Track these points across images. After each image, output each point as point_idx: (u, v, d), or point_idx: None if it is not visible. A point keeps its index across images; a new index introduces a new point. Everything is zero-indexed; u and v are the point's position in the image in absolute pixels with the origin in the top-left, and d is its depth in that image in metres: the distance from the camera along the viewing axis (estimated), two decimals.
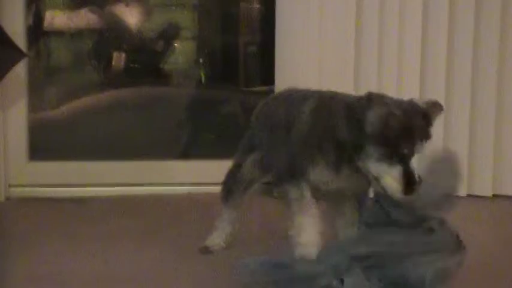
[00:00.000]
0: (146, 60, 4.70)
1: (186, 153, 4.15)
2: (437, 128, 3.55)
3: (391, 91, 3.55)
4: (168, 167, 3.87)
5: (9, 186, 3.65)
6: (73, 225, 3.16)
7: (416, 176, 2.15)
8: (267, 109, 2.73)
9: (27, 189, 3.66)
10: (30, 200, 3.56)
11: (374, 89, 3.57)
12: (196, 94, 4.70)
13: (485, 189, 3.74)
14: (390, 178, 2.17)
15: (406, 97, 2.27)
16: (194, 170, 3.87)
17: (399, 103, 2.22)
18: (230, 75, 4.72)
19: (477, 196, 3.72)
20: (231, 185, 2.85)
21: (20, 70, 3.65)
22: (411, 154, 2.16)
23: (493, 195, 3.73)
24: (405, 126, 2.17)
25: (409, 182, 2.15)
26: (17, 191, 3.65)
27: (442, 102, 3.49)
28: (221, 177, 3.79)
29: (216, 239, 2.82)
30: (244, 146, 2.82)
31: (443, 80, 3.66)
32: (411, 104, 2.24)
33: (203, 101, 4.61)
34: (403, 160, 2.15)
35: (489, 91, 3.69)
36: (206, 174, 3.82)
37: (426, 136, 2.20)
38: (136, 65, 4.64)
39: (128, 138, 4.18)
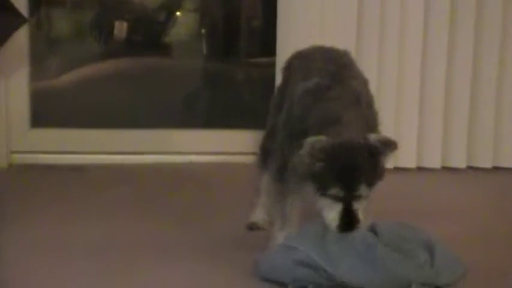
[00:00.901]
0: (148, 30, 4.69)
1: (186, 123, 4.15)
2: (438, 99, 3.66)
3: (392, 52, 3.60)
4: (168, 136, 3.88)
5: (11, 152, 3.66)
6: (73, 192, 3.19)
7: (357, 216, 2.12)
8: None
9: (28, 155, 3.67)
10: (31, 167, 3.58)
11: (375, 54, 3.61)
12: (198, 65, 4.70)
13: (485, 161, 3.75)
14: (329, 213, 2.14)
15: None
16: (194, 139, 3.88)
17: (339, 141, 2.11)
18: (232, 47, 4.71)
19: (477, 168, 3.74)
20: (268, 148, 2.61)
21: (22, 38, 3.65)
22: (351, 195, 2.11)
23: (493, 167, 3.74)
24: (335, 166, 2.09)
25: (348, 221, 2.12)
26: (19, 158, 3.66)
27: (443, 69, 3.63)
28: (221, 147, 3.85)
29: (259, 214, 2.71)
30: (275, 103, 2.62)
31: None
32: (354, 142, 2.11)
33: (204, 72, 4.61)
34: (344, 199, 2.11)
35: (490, 62, 3.69)
36: (206, 143, 3.84)
37: (369, 178, 2.11)
38: (138, 36, 4.64)
39: (128, 107, 4.19)
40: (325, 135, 2.12)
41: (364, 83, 2.44)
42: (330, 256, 2.12)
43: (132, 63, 4.54)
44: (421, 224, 2.59)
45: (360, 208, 2.14)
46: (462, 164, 3.73)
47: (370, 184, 2.12)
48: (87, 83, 4.35)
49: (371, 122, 2.28)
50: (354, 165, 2.10)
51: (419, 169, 3.72)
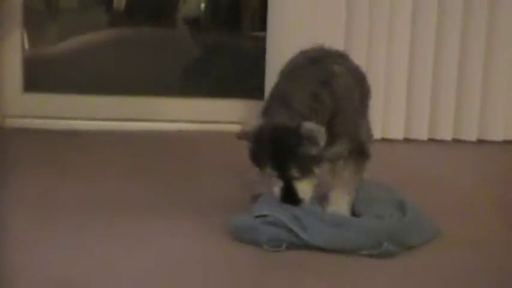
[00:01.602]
0: (147, 1, 4.74)
1: (179, 91, 4.19)
2: (426, 74, 3.70)
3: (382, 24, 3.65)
4: (160, 103, 3.93)
5: (4, 116, 3.72)
6: (64, 157, 3.24)
7: (296, 193, 2.22)
8: None
9: (21, 120, 3.73)
10: (24, 131, 3.63)
11: (365, 27, 3.65)
12: (195, 36, 4.74)
13: (470, 134, 3.80)
14: (275, 188, 2.26)
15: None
16: (185, 107, 3.93)
17: (268, 125, 2.22)
18: (229, 20, 4.74)
19: (462, 141, 3.79)
20: None
21: (15, 2, 3.70)
22: (284, 174, 2.21)
23: (478, 140, 3.79)
24: (262, 149, 2.22)
25: (288, 197, 2.23)
26: (11, 122, 3.72)
27: (431, 45, 3.67)
28: (213, 116, 3.89)
29: None
30: None
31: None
32: (282, 126, 2.20)
33: (199, 43, 4.65)
34: (281, 176, 2.22)
35: (477, 37, 3.73)
36: (198, 112, 3.89)
37: (298, 161, 2.19)
38: (137, 6, 4.67)
39: (123, 74, 4.23)
40: (262, 116, 2.26)
41: (355, 74, 2.48)
42: (299, 221, 2.19)
43: (129, 32, 4.58)
44: (405, 191, 2.68)
45: (301, 186, 2.23)
46: (448, 136, 3.78)
47: (301, 166, 2.21)
48: (83, 50, 4.40)
49: (327, 105, 2.28)
50: (279, 147, 2.20)
51: (406, 140, 3.77)
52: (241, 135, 2.30)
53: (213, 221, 2.38)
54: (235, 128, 3.74)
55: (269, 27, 3.71)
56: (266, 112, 2.30)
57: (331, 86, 2.31)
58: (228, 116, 3.87)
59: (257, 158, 2.26)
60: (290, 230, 2.17)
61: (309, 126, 2.19)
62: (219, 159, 3.32)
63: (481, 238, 2.39)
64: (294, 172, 2.21)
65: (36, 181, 2.84)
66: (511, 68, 3.77)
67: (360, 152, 2.38)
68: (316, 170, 2.26)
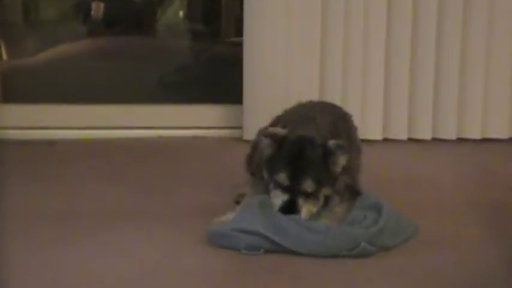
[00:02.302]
0: (125, 10, 4.74)
1: (157, 98, 4.19)
2: (403, 74, 3.71)
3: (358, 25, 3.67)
4: (138, 111, 3.93)
5: None
6: (42, 166, 3.25)
7: (299, 210, 2.24)
8: None
9: (0, 131, 3.71)
10: (3, 142, 3.61)
11: (341, 31, 3.66)
12: (174, 44, 4.75)
13: (449, 132, 3.81)
14: (275, 199, 2.28)
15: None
16: (164, 114, 3.93)
17: (296, 135, 2.30)
18: (207, 27, 4.76)
19: (442, 140, 3.81)
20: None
21: None
22: (296, 187, 2.24)
23: (457, 139, 3.81)
24: (285, 154, 2.27)
25: (289, 212, 2.24)
26: None
27: (407, 47, 3.69)
28: (190, 122, 3.90)
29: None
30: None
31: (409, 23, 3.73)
32: (310, 139, 2.28)
33: (178, 50, 4.66)
34: (289, 189, 2.25)
35: (453, 38, 3.75)
36: (176, 118, 3.90)
37: (317, 175, 2.25)
38: (114, 15, 4.68)
39: (99, 83, 4.24)
40: (289, 129, 2.33)
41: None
42: (276, 226, 2.19)
43: (107, 42, 4.59)
44: (385, 191, 2.69)
45: (305, 207, 2.26)
46: (427, 136, 3.80)
47: (318, 181, 2.26)
48: (61, 61, 4.40)
49: (342, 137, 2.40)
50: (302, 157, 2.26)
51: (386, 140, 3.78)
52: (268, 134, 2.32)
53: (192, 228, 2.38)
54: (215, 133, 3.83)
55: (245, 33, 3.72)
56: (287, 126, 2.38)
57: (346, 122, 2.52)
58: (206, 121, 3.88)
59: (273, 163, 2.29)
60: (266, 238, 2.17)
61: (336, 144, 2.27)
62: (198, 164, 3.34)
63: (458, 237, 2.40)
64: (308, 186, 2.25)
65: (14, 192, 2.83)
66: (487, 67, 3.80)
67: (354, 190, 2.43)
68: (325, 193, 2.31)
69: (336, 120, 2.51)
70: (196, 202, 2.71)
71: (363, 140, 3.63)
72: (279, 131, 2.35)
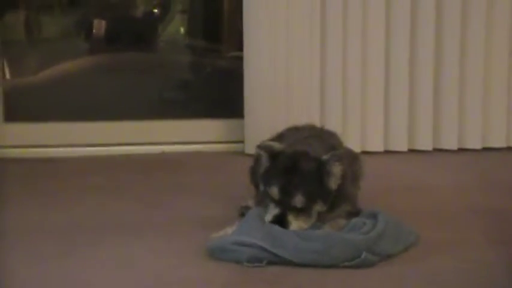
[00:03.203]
0: (126, 27, 4.78)
1: (158, 114, 4.21)
2: (402, 86, 3.73)
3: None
4: (140, 127, 3.95)
5: None
6: (43, 184, 3.25)
7: (288, 226, 2.25)
8: None
9: (2, 150, 3.71)
10: (6, 161, 3.62)
11: (339, 45, 3.68)
12: (176, 59, 4.78)
13: (450, 143, 3.83)
14: (267, 214, 2.29)
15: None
16: (167, 129, 3.94)
17: (291, 149, 2.35)
18: (208, 43, 4.79)
19: (443, 150, 3.82)
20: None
21: None
22: (286, 201, 2.26)
23: (458, 149, 3.82)
24: (279, 167, 2.30)
25: (280, 225, 2.25)
26: None
27: (406, 56, 3.71)
28: (193, 137, 3.91)
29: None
30: None
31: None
32: (304, 153, 2.32)
33: (179, 65, 4.69)
34: (280, 203, 2.27)
35: (453, 46, 3.77)
36: (179, 133, 3.91)
37: (309, 190, 2.26)
38: (115, 32, 4.71)
39: (101, 100, 4.26)
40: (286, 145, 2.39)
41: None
42: (275, 238, 2.20)
43: (109, 58, 4.63)
44: (386, 201, 2.79)
45: (295, 223, 2.27)
46: (428, 147, 3.81)
47: (309, 197, 2.27)
48: (63, 79, 4.44)
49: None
50: (295, 171, 2.28)
51: (387, 152, 3.80)
52: (263, 147, 2.36)
53: (193, 240, 2.39)
54: (217, 147, 3.84)
55: (245, 47, 3.74)
56: (283, 141, 2.44)
57: (342, 149, 2.51)
58: (209, 136, 3.90)
59: (268, 176, 2.32)
60: (267, 251, 2.18)
61: (330, 155, 2.30)
62: (200, 178, 3.36)
63: (458, 244, 2.41)
64: (298, 201, 2.26)
65: (15, 208, 2.85)
66: (486, 78, 3.82)
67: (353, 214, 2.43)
68: (318, 209, 2.31)
69: (334, 144, 2.56)
70: (198, 215, 2.73)
71: (364, 152, 3.68)
72: (276, 145, 2.38)
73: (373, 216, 2.32)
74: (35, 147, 3.78)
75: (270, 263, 2.18)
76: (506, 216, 2.71)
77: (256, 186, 2.62)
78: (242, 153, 3.73)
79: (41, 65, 4.51)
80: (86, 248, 2.38)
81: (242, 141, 3.80)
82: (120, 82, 4.43)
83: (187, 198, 2.98)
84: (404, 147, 3.80)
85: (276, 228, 2.24)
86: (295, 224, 2.27)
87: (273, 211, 2.29)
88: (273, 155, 2.34)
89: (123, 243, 2.42)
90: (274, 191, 2.28)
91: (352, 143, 3.51)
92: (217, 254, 2.25)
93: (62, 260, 2.28)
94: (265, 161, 2.36)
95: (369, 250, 2.17)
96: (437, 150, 3.83)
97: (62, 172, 3.48)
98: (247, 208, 2.56)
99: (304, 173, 2.28)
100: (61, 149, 3.78)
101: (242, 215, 2.51)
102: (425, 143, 3.82)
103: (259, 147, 2.40)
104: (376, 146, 3.79)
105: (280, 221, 2.26)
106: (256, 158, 2.65)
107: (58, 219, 2.70)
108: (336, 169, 2.31)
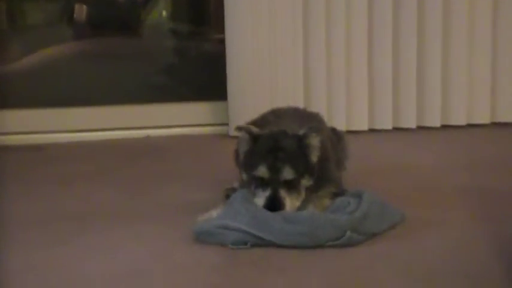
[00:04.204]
0: (108, 12, 4.75)
1: (144, 98, 4.20)
2: (386, 66, 3.73)
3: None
4: (125, 111, 3.94)
5: None
6: (30, 170, 3.26)
7: (282, 202, 2.27)
8: None
9: None
10: None
11: (322, 28, 3.68)
12: (159, 43, 4.76)
13: (434, 120, 3.84)
14: (258, 200, 2.30)
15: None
16: (151, 113, 3.95)
17: (268, 131, 2.37)
18: (195, 25, 4.77)
19: (427, 127, 3.84)
20: None
21: None
22: (276, 178, 2.27)
23: (442, 126, 3.84)
24: (261, 148, 2.32)
25: (273, 205, 2.26)
26: None
27: (389, 39, 3.72)
28: (177, 120, 3.91)
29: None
30: None
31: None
32: (282, 132, 2.35)
33: (165, 49, 4.68)
34: (271, 182, 2.28)
35: (435, 27, 3.78)
36: (163, 117, 3.91)
37: (294, 161, 2.29)
38: (97, 17, 4.69)
39: (85, 85, 4.24)
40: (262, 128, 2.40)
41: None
42: (260, 221, 2.21)
43: (92, 44, 4.60)
44: (372, 180, 2.81)
45: (288, 198, 2.29)
46: (412, 124, 3.83)
47: (297, 170, 2.29)
48: (47, 64, 4.40)
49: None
50: (278, 149, 2.31)
51: (372, 131, 3.81)
52: (243, 128, 2.38)
53: (180, 225, 2.39)
54: (202, 130, 3.84)
55: (227, 30, 3.74)
56: (263, 125, 2.45)
57: (321, 131, 2.46)
58: (193, 119, 3.90)
59: (253, 157, 2.33)
60: (252, 235, 2.20)
61: (307, 128, 2.34)
62: (186, 162, 3.36)
63: (444, 222, 2.42)
64: (288, 173, 2.28)
65: (2, 195, 2.84)
66: (470, 52, 3.83)
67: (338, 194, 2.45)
68: (305, 184, 2.34)
69: (315, 123, 2.58)
70: (184, 199, 2.73)
71: (349, 131, 3.69)
72: (253, 128, 2.39)
73: (358, 195, 2.33)
74: (20, 133, 3.78)
75: (255, 245, 2.19)
76: (491, 193, 2.72)
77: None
78: (227, 136, 3.73)
79: (24, 51, 4.48)
80: (72, 236, 2.38)
81: (227, 124, 3.80)
82: (104, 67, 4.41)
83: (173, 183, 2.98)
84: (389, 125, 3.82)
85: (262, 211, 2.24)
86: (289, 201, 2.28)
87: (263, 194, 2.30)
88: (254, 137, 2.36)
89: (110, 230, 2.42)
90: (262, 170, 2.29)
91: (337, 122, 3.53)
92: (203, 237, 2.25)
93: (47, 248, 2.27)
94: (246, 144, 2.38)
95: (354, 230, 2.18)
96: (421, 128, 3.85)
97: (47, 159, 3.49)
98: (232, 190, 2.57)
99: (286, 149, 2.31)
100: (46, 135, 3.79)
101: (227, 196, 2.52)
102: (409, 121, 3.83)
103: (239, 128, 2.40)
104: (361, 124, 3.80)
105: (273, 201, 2.27)
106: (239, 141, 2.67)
107: (43, 207, 2.71)
108: (314, 141, 2.35)
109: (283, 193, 2.29)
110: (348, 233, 2.17)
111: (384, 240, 2.25)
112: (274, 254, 2.15)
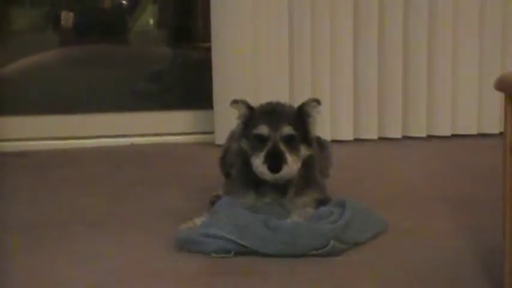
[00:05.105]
0: (95, 19, 4.74)
1: (129, 106, 4.19)
2: (372, 76, 3.74)
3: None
4: (110, 119, 3.93)
5: None
6: (14, 177, 3.23)
7: (284, 155, 2.28)
8: None
9: None
10: None
11: (308, 35, 3.69)
12: (146, 51, 4.76)
13: (420, 130, 3.85)
14: (258, 159, 2.30)
15: None
16: (136, 121, 3.94)
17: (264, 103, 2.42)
18: (181, 33, 4.77)
19: (412, 137, 3.85)
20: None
21: None
22: (275, 134, 2.29)
23: (428, 136, 3.85)
24: (260, 111, 2.37)
25: (275, 159, 2.27)
26: None
27: (375, 46, 3.73)
28: (162, 128, 3.91)
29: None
30: None
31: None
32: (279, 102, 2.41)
33: (151, 57, 4.67)
34: (270, 137, 2.29)
35: (421, 36, 3.79)
36: (148, 125, 3.91)
37: (292, 120, 2.32)
38: (84, 24, 4.68)
39: (71, 93, 4.23)
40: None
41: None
42: (242, 229, 2.20)
43: (78, 51, 4.59)
44: (356, 189, 2.82)
45: (289, 157, 2.28)
46: (398, 134, 3.83)
47: (295, 127, 2.31)
48: (32, 71, 4.39)
49: None
50: (277, 111, 2.36)
51: (357, 140, 3.81)
52: (239, 101, 2.41)
53: (163, 233, 2.38)
54: (187, 138, 3.84)
55: (213, 38, 3.74)
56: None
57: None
58: (179, 127, 3.90)
59: (251, 122, 2.35)
60: (234, 242, 2.18)
61: (310, 101, 2.38)
62: (170, 170, 3.35)
63: (427, 231, 2.43)
64: (288, 129, 2.30)
65: None
66: (454, 67, 3.84)
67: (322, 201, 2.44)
68: (303, 152, 2.35)
69: None
70: (168, 207, 2.72)
71: (334, 141, 3.69)
72: (248, 103, 2.42)
73: (341, 205, 2.33)
74: (4, 141, 3.75)
75: (238, 253, 2.18)
76: (475, 203, 2.73)
77: (226, 176, 2.63)
78: (212, 144, 3.73)
79: (10, 57, 4.46)
80: (54, 243, 2.36)
81: (212, 132, 3.80)
82: (90, 74, 4.39)
83: (157, 191, 2.98)
84: (374, 135, 3.82)
85: (244, 219, 2.23)
86: (290, 158, 2.28)
87: (262, 153, 2.29)
88: (251, 108, 2.39)
89: (92, 238, 2.40)
90: (262, 128, 2.30)
91: (322, 131, 3.51)
92: (186, 245, 2.24)
93: (30, 256, 2.26)
94: (244, 111, 2.40)
95: (337, 239, 2.18)
96: (406, 137, 3.85)
97: (31, 166, 3.47)
98: (217, 197, 2.56)
99: (285, 112, 2.36)
100: (31, 143, 3.77)
101: (212, 203, 2.51)
102: (394, 131, 3.83)
103: (235, 101, 2.42)
104: (346, 134, 3.80)
105: (273, 158, 2.27)
106: (226, 148, 2.66)
107: (25, 214, 2.69)
108: (314, 110, 2.38)
109: (282, 147, 2.29)
110: (332, 242, 2.16)
111: (367, 249, 2.25)
112: (257, 263, 2.14)
